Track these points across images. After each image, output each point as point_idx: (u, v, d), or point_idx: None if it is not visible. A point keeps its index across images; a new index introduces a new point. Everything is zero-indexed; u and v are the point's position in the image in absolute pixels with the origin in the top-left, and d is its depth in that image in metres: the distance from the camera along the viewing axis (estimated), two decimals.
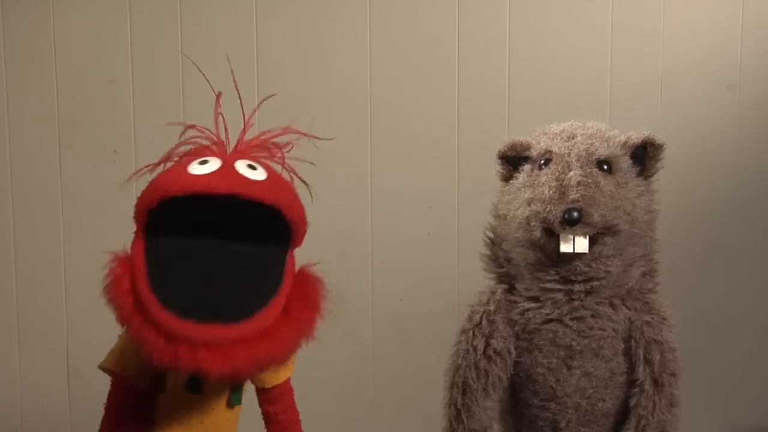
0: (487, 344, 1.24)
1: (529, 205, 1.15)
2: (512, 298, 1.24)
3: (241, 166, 0.98)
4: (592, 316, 1.19)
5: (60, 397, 1.97)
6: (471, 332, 1.25)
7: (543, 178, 1.16)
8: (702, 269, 1.79)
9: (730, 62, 1.74)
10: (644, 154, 1.20)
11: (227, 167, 0.97)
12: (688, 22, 1.75)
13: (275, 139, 1.07)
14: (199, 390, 1.11)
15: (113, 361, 1.12)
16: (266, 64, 1.85)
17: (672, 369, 1.20)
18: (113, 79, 1.88)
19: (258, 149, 1.06)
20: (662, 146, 1.20)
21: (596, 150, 1.16)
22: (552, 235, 1.14)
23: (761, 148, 1.76)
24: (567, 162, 1.15)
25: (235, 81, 1.08)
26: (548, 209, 1.13)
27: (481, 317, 1.24)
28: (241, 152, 1.04)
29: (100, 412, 1.13)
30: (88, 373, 1.34)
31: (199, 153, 1.03)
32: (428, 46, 1.81)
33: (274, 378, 1.18)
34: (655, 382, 1.19)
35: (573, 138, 1.18)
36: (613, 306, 1.20)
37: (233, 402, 1.16)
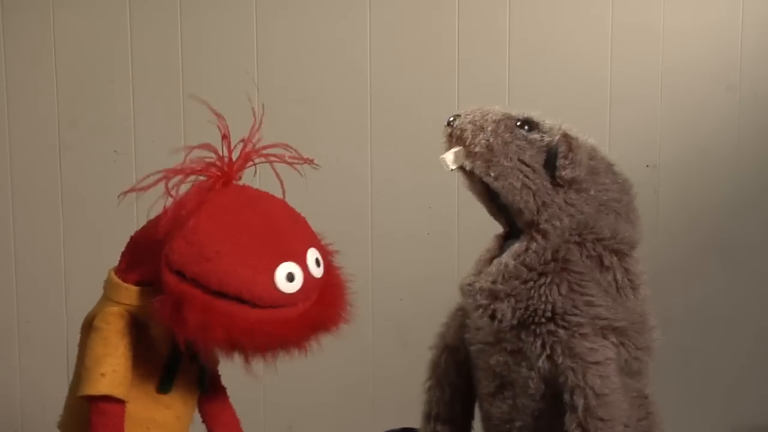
0: (443, 335, 1.26)
1: None
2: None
3: (312, 263, 1.02)
4: (517, 352, 1.14)
5: (60, 397, 1.97)
6: (446, 322, 1.27)
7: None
8: (701, 268, 1.79)
9: (730, 62, 1.74)
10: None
11: (308, 278, 1.01)
12: (689, 21, 1.75)
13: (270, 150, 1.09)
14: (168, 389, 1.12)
15: (111, 386, 1.05)
16: (266, 64, 1.85)
17: (599, 414, 1.09)
18: (113, 79, 1.88)
19: (256, 155, 1.08)
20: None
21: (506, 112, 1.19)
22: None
23: (761, 148, 1.76)
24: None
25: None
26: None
27: (455, 309, 1.26)
28: (309, 240, 1.05)
29: None
30: None
31: (204, 170, 1.04)
32: (428, 46, 1.81)
33: None
34: (581, 428, 1.09)
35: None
36: (536, 347, 1.12)
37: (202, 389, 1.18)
